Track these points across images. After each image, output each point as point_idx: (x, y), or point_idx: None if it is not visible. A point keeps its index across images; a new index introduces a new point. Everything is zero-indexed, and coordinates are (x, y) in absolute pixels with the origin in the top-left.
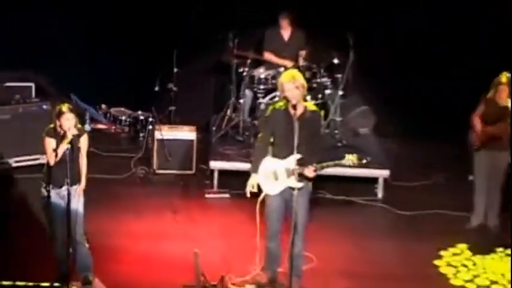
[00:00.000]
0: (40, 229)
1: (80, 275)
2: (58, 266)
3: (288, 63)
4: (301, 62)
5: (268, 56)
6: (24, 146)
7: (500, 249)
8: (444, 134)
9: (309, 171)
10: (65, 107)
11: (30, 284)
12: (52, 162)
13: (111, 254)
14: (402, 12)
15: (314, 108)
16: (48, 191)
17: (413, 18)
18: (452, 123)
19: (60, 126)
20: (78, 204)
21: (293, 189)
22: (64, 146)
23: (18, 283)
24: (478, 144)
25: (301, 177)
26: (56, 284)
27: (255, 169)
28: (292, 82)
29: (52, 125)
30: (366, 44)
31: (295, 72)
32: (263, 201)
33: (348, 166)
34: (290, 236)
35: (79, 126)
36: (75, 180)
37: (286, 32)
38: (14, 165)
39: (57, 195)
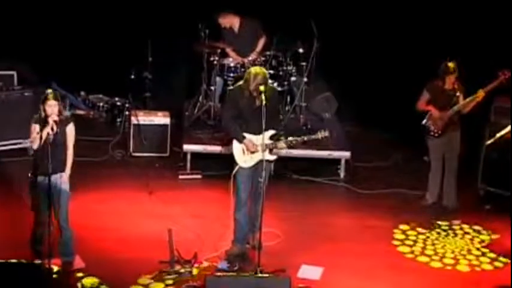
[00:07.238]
0: (20, 209)
1: (61, 258)
2: (34, 245)
3: (246, 60)
4: (259, 48)
5: (229, 52)
6: (7, 131)
7: (457, 222)
8: (400, 118)
9: (281, 145)
10: (50, 94)
11: (10, 261)
12: (35, 147)
13: (89, 232)
14: (364, 1)
15: (270, 86)
16: (34, 176)
17: (375, 7)
18: (407, 108)
19: (44, 111)
20: (62, 191)
21: (263, 162)
22: (45, 132)
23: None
24: (440, 131)
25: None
26: (37, 262)
27: (240, 137)
28: (263, 83)
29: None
30: (328, 33)
31: (265, 74)
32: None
33: (318, 139)
34: (259, 206)
35: (66, 114)
36: (60, 168)
37: (234, 25)
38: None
39: (43, 181)
